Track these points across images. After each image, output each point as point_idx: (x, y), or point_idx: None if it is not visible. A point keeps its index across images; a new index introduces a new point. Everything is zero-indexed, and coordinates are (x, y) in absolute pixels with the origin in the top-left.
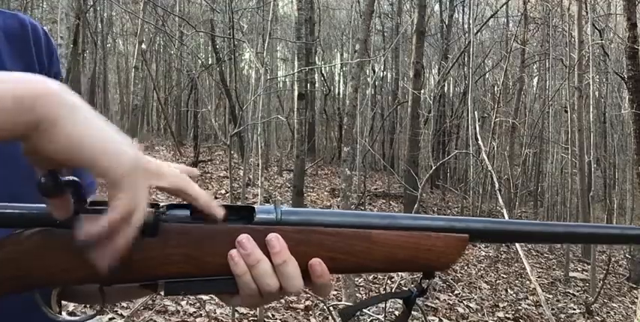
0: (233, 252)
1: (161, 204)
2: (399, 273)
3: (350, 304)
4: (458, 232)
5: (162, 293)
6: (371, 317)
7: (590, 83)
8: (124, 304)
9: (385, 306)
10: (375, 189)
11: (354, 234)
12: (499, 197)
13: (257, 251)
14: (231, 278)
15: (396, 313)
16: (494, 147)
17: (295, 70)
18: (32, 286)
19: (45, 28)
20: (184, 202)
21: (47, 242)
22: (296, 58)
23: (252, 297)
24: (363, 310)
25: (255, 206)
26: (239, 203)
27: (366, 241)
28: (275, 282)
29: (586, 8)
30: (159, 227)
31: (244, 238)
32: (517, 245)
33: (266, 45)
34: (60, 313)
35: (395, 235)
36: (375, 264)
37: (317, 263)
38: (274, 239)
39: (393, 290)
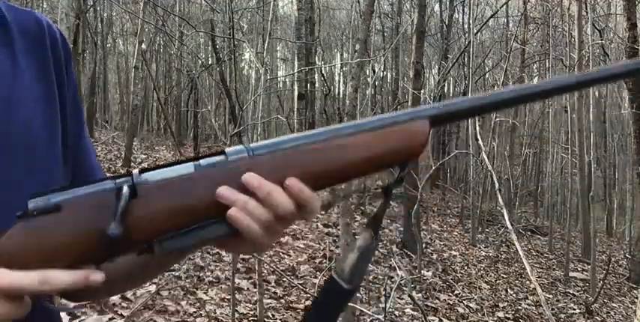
0: (219, 203)
1: (133, 171)
2: (399, 273)
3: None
4: (419, 119)
5: (158, 252)
6: (371, 317)
7: None
8: (123, 304)
9: (385, 306)
10: (375, 189)
11: (326, 145)
12: (499, 197)
13: (239, 196)
14: (223, 220)
15: (397, 313)
16: (494, 147)
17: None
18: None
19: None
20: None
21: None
22: (296, 58)
23: (255, 236)
24: (364, 310)
25: (225, 149)
26: None
27: (339, 148)
28: (268, 214)
29: (586, 8)
30: (137, 189)
31: (223, 190)
32: (517, 245)
33: (266, 45)
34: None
35: (363, 136)
36: (353, 168)
37: (291, 182)
38: (249, 178)
39: (392, 290)
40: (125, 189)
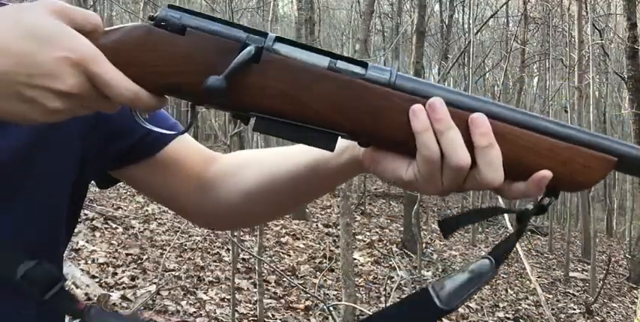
0: (415, 107)
1: (269, 34)
2: (399, 273)
3: (350, 304)
4: (606, 152)
5: (253, 128)
6: None
7: (590, 83)
8: (124, 304)
9: (385, 306)
10: (375, 189)
11: (496, 126)
12: (499, 197)
13: (450, 121)
14: (335, 134)
15: None
16: None
17: None
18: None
19: None
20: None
21: (149, 38)
22: None
23: (430, 165)
24: (364, 310)
25: (369, 62)
26: None
27: (496, 135)
28: (467, 157)
29: (586, 8)
30: (261, 55)
31: (438, 102)
32: (517, 245)
33: None
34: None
35: (528, 134)
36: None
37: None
38: (480, 118)
39: (392, 290)
40: (251, 47)
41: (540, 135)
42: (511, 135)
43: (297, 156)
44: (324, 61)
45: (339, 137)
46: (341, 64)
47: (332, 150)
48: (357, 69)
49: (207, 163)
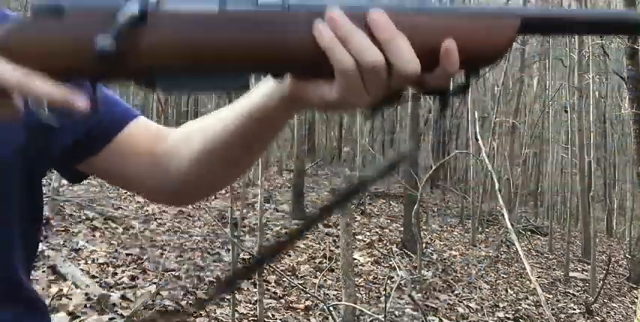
0: (318, 23)
1: None
2: (399, 273)
3: (350, 304)
4: (507, 17)
5: (160, 89)
6: (371, 317)
7: (590, 83)
8: (124, 304)
9: (385, 306)
10: (375, 189)
11: (392, 18)
12: (499, 197)
13: (352, 26)
14: (243, 73)
15: (396, 313)
16: (494, 147)
17: None
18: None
19: None
20: None
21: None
22: None
23: (350, 78)
24: (364, 310)
25: None
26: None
27: (403, 27)
28: (379, 55)
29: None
30: (147, 14)
31: (335, 12)
32: (517, 245)
33: None
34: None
35: (433, 19)
36: (423, 54)
37: (451, 41)
38: (377, 15)
39: (392, 290)
40: (134, 6)
41: (443, 18)
42: (410, 24)
43: (236, 108)
44: (213, 5)
45: (251, 74)
46: (231, 2)
47: (247, 88)
48: (248, 3)
49: (160, 139)
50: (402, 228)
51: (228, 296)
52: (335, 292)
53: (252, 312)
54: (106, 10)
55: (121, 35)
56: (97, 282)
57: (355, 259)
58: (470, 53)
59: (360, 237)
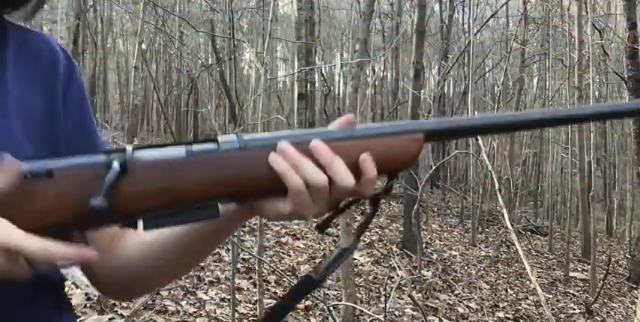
0: (272, 155)
1: (127, 147)
2: (399, 273)
3: (350, 304)
4: (414, 133)
5: (142, 228)
6: (371, 317)
7: (590, 83)
8: (124, 304)
9: (385, 306)
10: (375, 189)
11: None
12: (499, 197)
13: (298, 154)
14: (214, 204)
15: (397, 313)
16: (494, 147)
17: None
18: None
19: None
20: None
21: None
22: (296, 58)
23: (301, 197)
24: (364, 310)
25: (218, 137)
26: None
27: (333, 150)
28: (323, 176)
29: (586, 8)
30: (126, 165)
31: (284, 144)
32: (517, 245)
33: (266, 45)
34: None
35: (356, 143)
36: None
37: (367, 159)
38: (317, 144)
39: (392, 290)
40: (115, 164)
41: (362, 140)
42: (343, 148)
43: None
44: (181, 151)
45: (219, 204)
46: (196, 148)
47: (217, 216)
48: (211, 146)
49: (117, 239)
50: (402, 228)
51: (229, 296)
52: (335, 292)
53: (252, 312)
54: (89, 170)
55: (109, 192)
56: None
57: (355, 259)
58: (387, 164)
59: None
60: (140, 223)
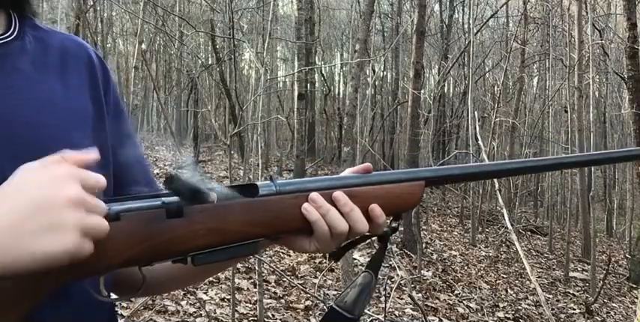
0: (305, 205)
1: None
2: (399, 273)
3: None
4: (417, 180)
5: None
6: (371, 317)
7: (590, 83)
8: (124, 304)
9: (385, 306)
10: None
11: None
12: (499, 197)
13: (327, 204)
14: (256, 242)
15: (397, 313)
16: (494, 147)
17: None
18: (82, 275)
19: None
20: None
21: None
22: (296, 58)
23: (325, 238)
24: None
25: (257, 183)
26: None
27: (350, 197)
28: (345, 224)
29: (586, 8)
30: (182, 210)
31: (314, 195)
32: (517, 245)
33: (266, 45)
34: (108, 296)
35: (370, 189)
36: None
37: (376, 208)
38: (339, 195)
39: (392, 290)
40: (173, 204)
41: (377, 186)
42: (359, 194)
43: None
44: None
45: (259, 242)
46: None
47: (257, 252)
48: (251, 192)
49: None
50: (402, 228)
51: (229, 296)
52: (335, 292)
53: (252, 312)
54: (149, 213)
55: (165, 228)
56: None
57: (355, 259)
58: (392, 208)
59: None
60: (189, 259)
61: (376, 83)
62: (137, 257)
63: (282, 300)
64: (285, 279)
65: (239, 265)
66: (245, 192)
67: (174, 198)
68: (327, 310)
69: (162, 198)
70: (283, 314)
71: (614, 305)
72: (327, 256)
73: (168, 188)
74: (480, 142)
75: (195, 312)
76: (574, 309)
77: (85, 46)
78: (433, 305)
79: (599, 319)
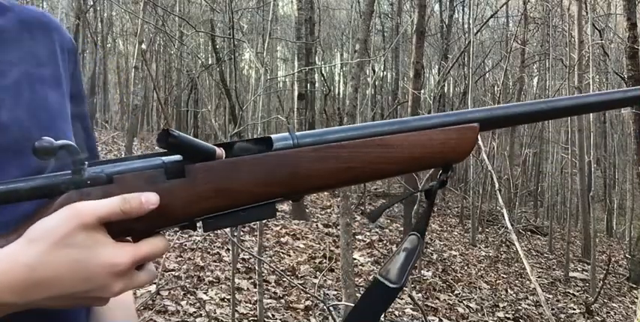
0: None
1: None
2: None
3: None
4: (468, 122)
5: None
6: None
7: (590, 83)
8: None
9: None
10: (375, 189)
11: (367, 142)
12: (499, 197)
13: None
14: (271, 203)
15: (396, 313)
16: (494, 147)
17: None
18: None
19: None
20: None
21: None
22: (296, 58)
23: None
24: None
25: (271, 136)
26: None
27: (381, 147)
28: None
29: (586, 8)
30: (184, 169)
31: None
32: (517, 245)
33: (266, 45)
34: None
35: (408, 135)
36: (393, 167)
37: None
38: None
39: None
40: (173, 163)
41: (417, 132)
42: (397, 143)
43: None
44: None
45: (276, 202)
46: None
47: (274, 216)
48: (264, 146)
49: None
50: (402, 228)
51: (229, 296)
52: (335, 292)
53: (252, 312)
54: (146, 174)
55: (165, 190)
56: None
57: (355, 259)
58: (438, 158)
59: (360, 237)
60: (199, 224)
61: (376, 83)
62: (136, 225)
63: (282, 300)
64: (285, 279)
65: (239, 265)
66: (258, 147)
67: (176, 157)
68: (370, 282)
69: (162, 158)
70: (283, 314)
71: (614, 305)
72: (366, 216)
73: (166, 144)
74: (479, 142)
75: (195, 312)
76: (574, 309)
77: (45, 14)
78: (433, 305)
79: (599, 319)
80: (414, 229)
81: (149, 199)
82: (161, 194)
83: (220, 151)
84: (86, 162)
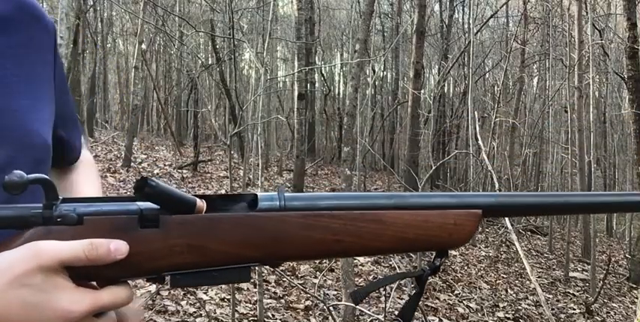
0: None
1: None
2: None
3: (350, 304)
4: (470, 208)
5: (168, 285)
6: (371, 317)
7: (590, 83)
8: None
9: (385, 306)
10: (375, 189)
11: (362, 215)
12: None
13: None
14: (244, 267)
15: (396, 313)
16: (494, 147)
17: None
18: None
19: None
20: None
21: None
22: (296, 58)
23: None
24: (364, 310)
25: (258, 193)
26: None
27: (375, 222)
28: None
29: (586, 8)
30: (159, 219)
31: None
32: (517, 245)
33: (266, 45)
34: None
35: (403, 214)
36: (384, 245)
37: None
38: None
39: (392, 290)
40: (147, 211)
41: (414, 211)
42: (390, 221)
43: None
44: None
45: (251, 267)
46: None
47: (248, 280)
48: (249, 204)
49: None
50: None
51: (229, 296)
52: (335, 292)
53: (252, 312)
54: (118, 219)
55: (136, 239)
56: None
57: (355, 259)
58: (432, 242)
59: None
60: (167, 279)
61: (376, 83)
62: (100, 271)
63: (282, 300)
64: (285, 279)
65: None
66: (242, 204)
67: (152, 205)
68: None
69: (139, 203)
70: (283, 314)
71: (614, 305)
72: (351, 298)
73: (141, 194)
74: (479, 142)
75: (195, 312)
76: (574, 309)
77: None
78: (433, 305)
79: (599, 319)
80: (399, 315)
81: (118, 248)
82: (131, 243)
83: (201, 204)
84: (60, 198)
